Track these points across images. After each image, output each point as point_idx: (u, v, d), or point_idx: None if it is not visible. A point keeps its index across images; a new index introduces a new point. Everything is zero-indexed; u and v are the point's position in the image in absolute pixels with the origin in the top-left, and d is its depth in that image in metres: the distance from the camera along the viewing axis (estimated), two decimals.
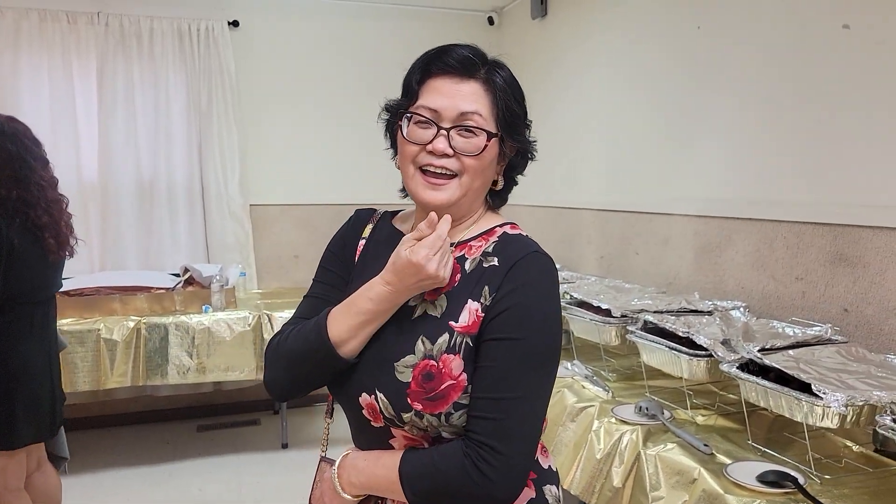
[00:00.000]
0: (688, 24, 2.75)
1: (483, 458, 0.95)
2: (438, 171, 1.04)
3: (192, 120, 4.04)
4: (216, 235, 4.11)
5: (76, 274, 3.62)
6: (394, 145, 1.15)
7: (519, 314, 0.99)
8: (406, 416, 1.00)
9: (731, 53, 2.53)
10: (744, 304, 2.29)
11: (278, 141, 4.25)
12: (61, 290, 3.24)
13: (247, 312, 3.43)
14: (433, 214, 1.02)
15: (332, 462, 1.11)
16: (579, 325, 2.35)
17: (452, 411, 0.99)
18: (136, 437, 3.91)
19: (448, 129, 1.03)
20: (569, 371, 2.32)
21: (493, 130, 1.05)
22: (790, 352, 1.75)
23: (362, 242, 1.18)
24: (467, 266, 1.06)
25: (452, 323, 1.02)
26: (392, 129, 1.14)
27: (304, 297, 1.19)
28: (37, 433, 2.21)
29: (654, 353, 1.99)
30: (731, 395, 2.02)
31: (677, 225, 2.86)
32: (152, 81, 3.94)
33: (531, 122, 1.15)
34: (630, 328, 2.10)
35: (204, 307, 3.47)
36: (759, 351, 1.72)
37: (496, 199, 1.16)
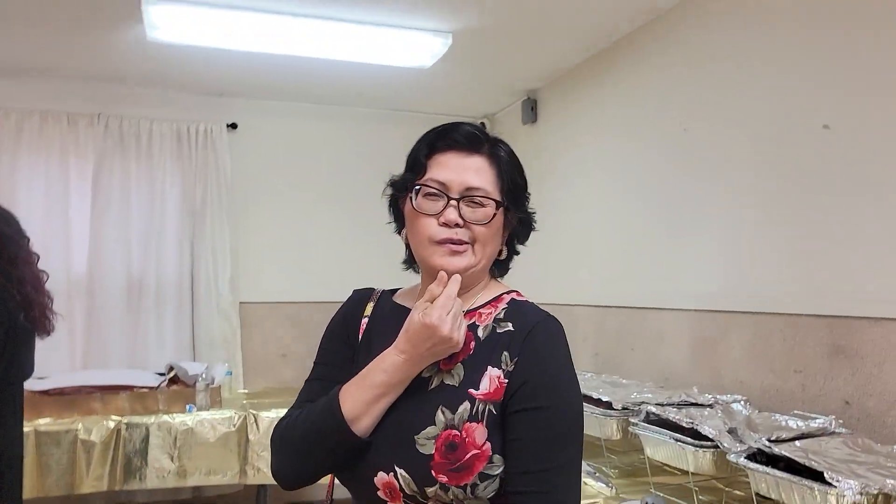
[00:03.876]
0: (674, 126, 2.87)
1: None
2: (457, 242, 1.06)
3: (185, 217, 4.08)
4: (204, 333, 4.05)
5: (56, 372, 3.51)
6: (397, 220, 1.18)
7: (546, 382, 1.00)
8: (430, 490, 0.96)
9: (719, 153, 2.63)
10: (744, 398, 2.26)
11: (270, 239, 4.28)
12: (40, 389, 3.16)
13: (232, 412, 3.33)
14: (443, 273, 1.03)
15: None
16: None
17: (478, 482, 0.96)
18: None
19: (458, 200, 1.06)
20: None
21: (499, 200, 1.09)
22: (797, 443, 1.71)
23: (365, 321, 1.17)
24: (480, 333, 1.06)
25: (473, 391, 1.01)
26: (396, 204, 1.17)
27: (307, 381, 1.16)
28: None
29: (659, 446, 1.93)
30: (737, 492, 1.95)
31: (672, 319, 2.87)
32: (148, 180, 4.01)
33: (530, 194, 1.18)
34: (632, 420, 2.06)
35: (188, 407, 3.36)
36: (767, 441, 1.68)
37: (499, 268, 1.18)
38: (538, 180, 3.98)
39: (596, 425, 2.19)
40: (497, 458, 0.98)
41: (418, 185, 1.09)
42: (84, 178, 3.91)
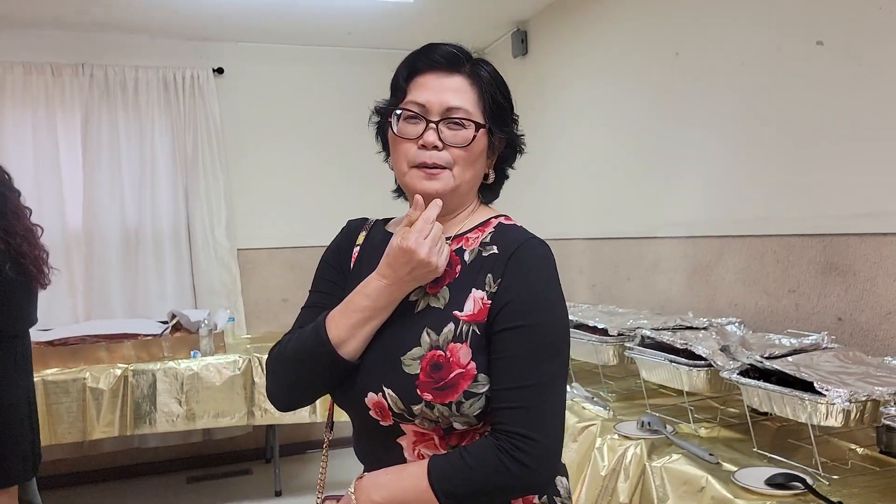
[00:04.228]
0: (667, 51, 2.82)
1: (518, 448, 0.95)
2: (431, 165, 1.05)
3: (177, 167, 4.05)
4: (203, 281, 4.08)
5: (60, 323, 3.56)
6: (385, 147, 1.17)
7: (528, 301, 1.00)
8: (416, 408, 0.99)
9: (711, 76, 2.60)
10: (738, 320, 2.29)
11: (264, 185, 4.26)
12: (45, 340, 3.21)
13: (236, 356, 3.38)
14: (419, 197, 1.03)
15: (337, 498, 1.08)
16: (576, 346, 2.33)
17: (463, 400, 0.99)
18: (124, 492, 3.78)
19: (437, 123, 1.05)
20: (568, 393, 2.29)
21: (481, 122, 1.07)
22: (789, 358, 1.74)
23: (357, 249, 1.18)
24: (467, 257, 1.07)
25: (457, 312, 1.02)
26: (383, 131, 1.16)
27: (302, 308, 1.17)
28: (25, 471, 2.14)
29: (654, 369, 1.97)
30: (731, 409, 2.00)
31: (666, 248, 2.88)
32: (137, 130, 3.97)
33: (518, 116, 1.16)
34: (628, 345, 2.09)
35: (192, 352, 3.41)
36: (759, 357, 1.71)
37: (488, 193, 1.18)
38: (530, 114, 3.94)
39: (593, 352, 2.23)
40: (482, 376, 0.99)
41: (398, 109, 1.08)
42: (73, 130, 3.88)
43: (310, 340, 1.04)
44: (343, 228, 1.24)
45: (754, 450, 1.68)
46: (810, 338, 1.91)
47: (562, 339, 1.03)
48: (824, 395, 1.44)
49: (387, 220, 1.22)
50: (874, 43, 1.97)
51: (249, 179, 4.23)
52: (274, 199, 4.27)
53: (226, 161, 4.11)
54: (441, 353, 1.00)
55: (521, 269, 1.02)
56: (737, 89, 2.46)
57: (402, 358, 1.01)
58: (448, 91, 1.06)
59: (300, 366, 1.05)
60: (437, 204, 1.03)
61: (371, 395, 1.02)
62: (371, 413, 1.04)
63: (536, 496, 1.07)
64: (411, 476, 0.99)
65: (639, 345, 2.05)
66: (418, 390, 0.99)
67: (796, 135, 2.23)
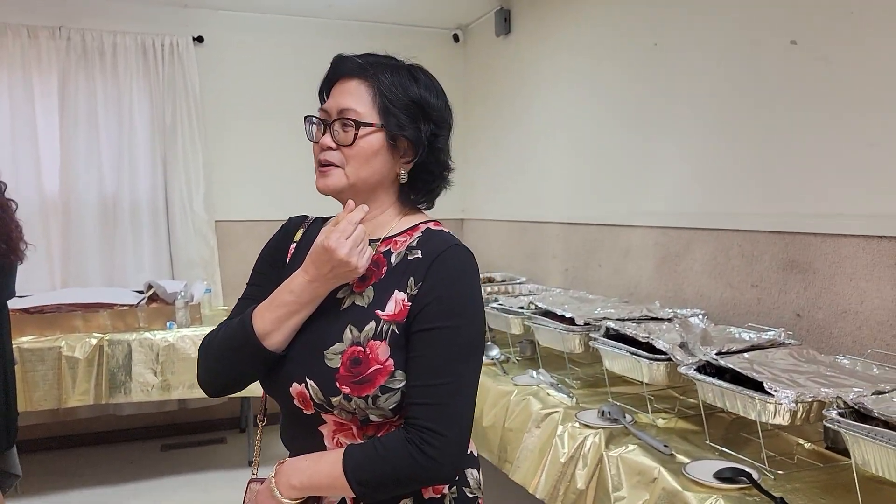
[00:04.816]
0: (645, 42, 2.84)
1: (427, 442, 1.01)
2: (324, 163, 1.13)
3: (156, 136, 4.02)
4: (181, 252, 4.08)
5: (36, 291, 3.55)
6: None
7: (447, 305, 1.07)
8: (335, 399, 1.06)
9: (687, 70, 2.63)
10: (702, 312, 2.36)
11: (243, 157, 4.25)
12: (21, 307, 3.21)
13: (212, 328, 3.40)
14: (350, 202, 1.11)
15: (261, 481, 1.14)
16: (544, 334, 2.40)
17: (379, 394, 1.05)
18: (98, 458, 3.83)
19: (330, 124, 1.13)
20: (534, 379, 2.36)
21: (368, 122, 1.11)
22: (745, 355, 1.81)
23: (293, 246, 1.24)
24: (393, 259, 1.13)
25: (379, 312, 1.09)
26: None
27: (238, 299, 1.24)
28: (3, 440, 2.17)
29: (616, 360, 2.03)
30: (690, 399, 2.08)
31: (638, 236, 2.94)
32: (116, 97, 3.93)
33: (443, 121, 1.19)
34: (593, 335, 2.15)
35: (168, 324, 3.43)
36: (715, 354, 1.78)
37: (418, 197, 1.21)
38: (510, 95, 3.95)
39: (559, 340, 2.29)
40: (399, 373, 1.06)
41: (307, 116, 1.17)
42: (50, 94, 3.83)
43: (237, 332, 1.11)
44: (283, 224, 1.30)
45: (707, 442, 1.76)
46: (768, 333, 1.98)
47: (476, 343, 1.10)
48: (773, 395, 1.51)
49: (326, 218, 1.28)
50: (844, 45, 2.00)
51: (228, 151, 4.21)
52: (253, 172, 4.27)
53: (205, 132, 4.09)
54: (361, 349, 1.06)
55: (441, 274, 1.08)
56: (713, 83, 2.50)
57: (325, 352, 1.07)
58: (344, 94, 1.13)
59: (228, 355, 1.12)
60: (363, 209, 1.10)
61: (295, 385, 1.09)
62: (295, 402, 1.10)
63: (446, 486, 1.16)
64: (328, 463, 1.06)
65: (603, 335, 2.11)
66: (337, 383, 1.05)
67: (767, 131, 2.28)
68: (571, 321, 2.27)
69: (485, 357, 2.69)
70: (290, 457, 1.15)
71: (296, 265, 1.16)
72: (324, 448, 1.11)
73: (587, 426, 1.90)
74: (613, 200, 3.10)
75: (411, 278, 1.09)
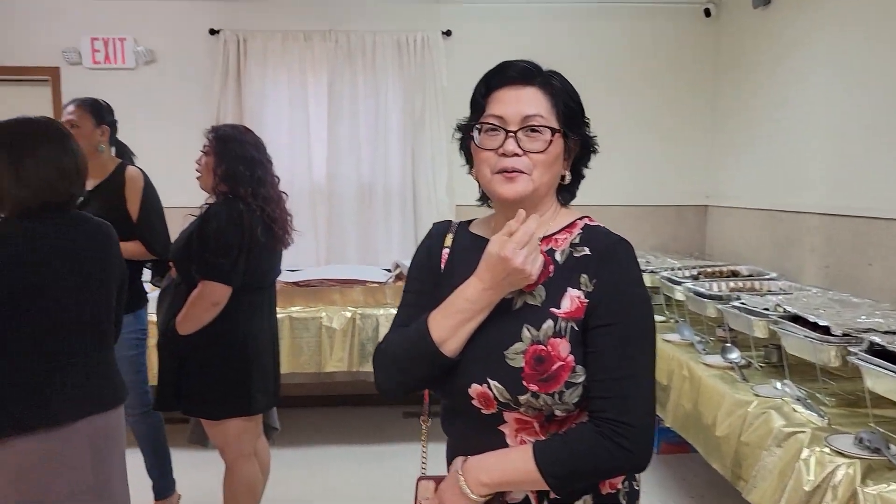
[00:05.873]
0: None
1: (620, 434, 1.06)
2: (511, 170, 1.15)
3: (406, 125, 4.32)
4: (424, 233, 4.34)
5: (305, 266, 4.05)
6: (468, 160, 1.28)
7: (622, 299, 1.11)
8: (522, 398, 1.10)
9: None
10: None
11: None
12: (292, 280, 3.68)
13: None
14: (521, 211, 1.12)
15: (433, 479, 1.22)
16: (793, 342, 2.16)
17: (564, 389, 1.10)
18: (349, 417, 4.28)
19: (515, 132, 1.14)
20: (778, 391, 2.14)
21: (556, 127, 1.16)
22: None
23: (446, 251, 1.28)
24: (558, 257, 1.17)
25: (555, 310, 1.13)
26: (465, 145, 1.26)
27: (399, 306, 1.30)
28: (267, 402, 2.52)
29: (882, 380, 1.77)
30: None
31: None
32: (373, 91, 4.28)
33: (589, 119, 1.23)
34: (852, 349, 1.89)
35: None
36: None
37: (566, 194, 1.26)
38: (766, 72, 3.58)
39: (810, 351, 2.05)
40: (579, 368, 1.10)
41: (479, 123, 1.17)
42: (320, 91, 4.29)
43: (414, 340, 1.16)
44: (430, 231, 1.35)
45: None
46: None
47: (651, 334, 1.14)
48: None
49: (469, 222, 1.33)
50: None
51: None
52: None
53: (450, 121, 4.26)
54: (543, 347, 1.11)
55: (614, 270, 1.12)
56: None
57: (504, 353, 1.12)
58: (523, 102, 1.16)
59: (406, 362, 1.18)
60: (535, 218, 1.12)
61: (475, 386, 1.13)
62: (474, 402, 1.15)
63: (620, 481, 1.19)
64: (518, 459, 1.11)
65: (866, 351, 1.85)
66: (524, 382, 1.10)
67: None
68: (826, 330, 2.02)
69: (722, 360, 2.52)
70: (462, 454, 1.19)
71: (455, 270, 1.23)
72: (505, 445, 1.16)
73: (840, 453, 1.69)
74: (890, 190, 2.68)
75: (583, 275, 1.13)
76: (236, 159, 2.33)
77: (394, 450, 3.81)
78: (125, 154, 2.93)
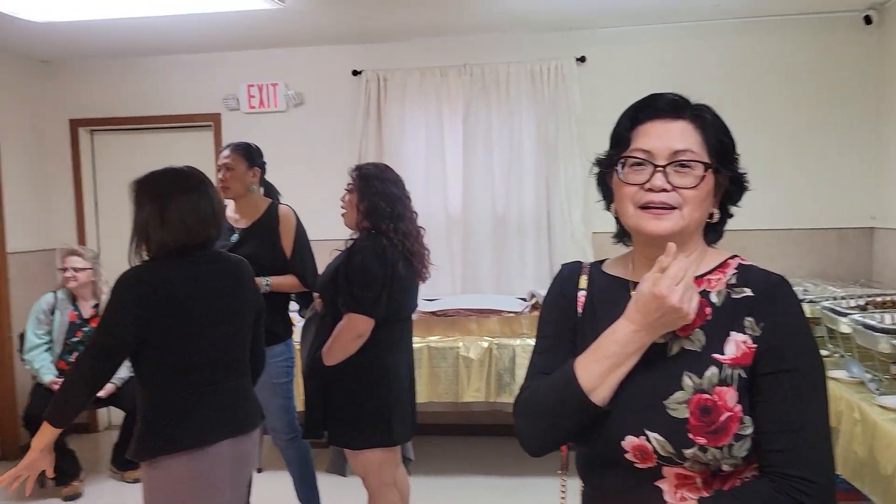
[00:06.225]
0: None
1: (799, 490, 0.98)
2: (659, 205, 1.08)
3: (540, 154, 4.31)
4: (560, 262, 4.26)
5: (442, 295, 4.12)
6: (605, 196, 1.22)
7: (793, 343, 1.03)
8: (689, 452, 1.02)
9: None
10: None
11: None
12: (430, 310, 3.75)
13: None
14: (672, 245, 1.04)
15: None
16: None
17: (734, 442, 1.01)
18: (486, 447, 4.26)
19: (664, 167, 1.08)
20: None
21: (708, 162, 1.09)
22: None
23: (582, 293, 1.20)
24: (714, 299, 1.09)
25: (718, 356, 1.04)
26: (603, 181, 1.21)
27: (534, 353, 1.22)
28: (405, 432, 2.57)
29: None
30: None
31: None
32: (507, 121, 4.32)
33: (739, 154, 1.16)
34: None
35: None
36: None
37: (712, 234, 1.18)
38: None
39: None
40: (747, 418, 1.02)
41: (623, 157, 1.11)
42: (455, 124, 4.39)
43: (560, 388, 1.08)
44: (559, 273, 1.27)
45: None
46: None
47: (823, 376, 1.05)
48: None
49: (601, 262, 1.26)
50: None
51: None
52: None
53: (585, 148, 4.23)
54: (708, 396, 1.02)
55: (781, 312, 1.05)
56: None
57: (664, 402, 1.03)
58: (673, 136, 1.09)
59: (551, 413, 1.10)
60: (687, 257, 1.06)
61: (630, 438, 1.05)
62: (627, 455, 1.06)
63: None
64: None
65: None
66: (690, 434, 1.01)
67: None
68: None
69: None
70: None
71: (595, 313, 1.16)
72: (663, 503, 1.07)
73: None
74: None
75: (748, 318, 1.05)
76: (378, 196, 2.43)
77: (531, 483, 3.74)
78: (272, 193, 3.14)
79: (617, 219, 1.18)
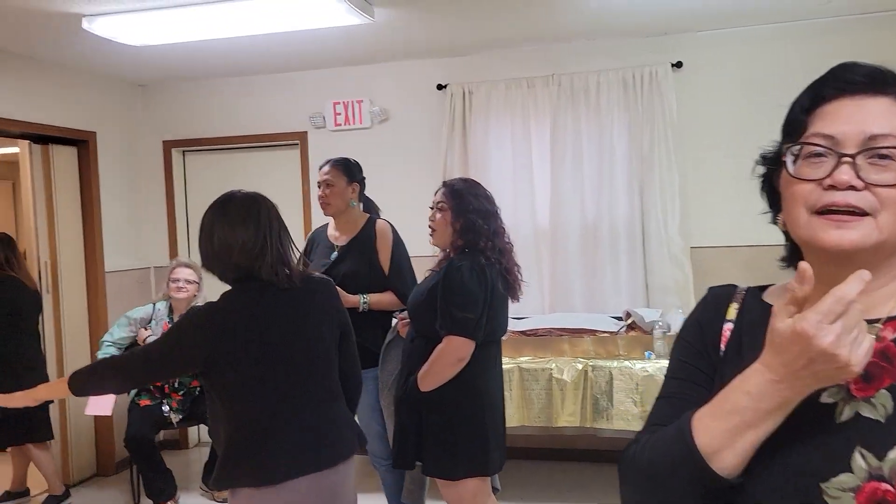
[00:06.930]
0: None
1: None
2: (844, 208, 0.79)
3: (633, 163, 4.11)
4: (656, 278, 4.07)
5: (531, 314, 3.96)
6: (772, 205, 0.94)
7: None
8: None
9: None
10: None
11: (722, 181, 4.00)
12: (519, 329, 3.60)
13: None
14: (864, 272, 0.72)
15: None
16: None
17: None
18: (581, 473, 4.06)
19: (853, 156, 0.79)
20: None
21: None
22: None
23: (728, 326, 0.93)
24: None
25: None
26: (769, 184, 0.93)
27: (658, 398, 0.96)
28: (501, 460, 2.43)
29: None
30: None
31: None
32: (597, 130, 4.14)
33: None
34: None
35: (647, 353, 3.44)
36: None
37: None
38: None
39: None
40: None
41: (796, 144, 0.84)
42: (542, 135, 4.24)
43: (671, 446, 0.82)
44: (703, 299, 0.99)
45: None
46: None
47: None
48: None
49: (763, 288, 0.96)
50: None
51: (706, 175, 4.04)
52: (731, 195, 3.99)
53: (681, 156, 4.01)
54: (889, 487, 0.74)
55: None
56: None
57: (822, 485, 0.77)
58: (869, 117, 0.80)
59: (659, 478, 0.83)
60: (860, 277, 0.72)
61: None
62: None
63: None
64: None
65: None
66: None
67: None
68: None
69: None
70: None
71: (739, 350, 0.89)
72: None
73: None
74: None
75: None
76: (474, 213, 2.32)
77: None
78: (372, 209, 3.08)
79: (786, 233, 0.91)
